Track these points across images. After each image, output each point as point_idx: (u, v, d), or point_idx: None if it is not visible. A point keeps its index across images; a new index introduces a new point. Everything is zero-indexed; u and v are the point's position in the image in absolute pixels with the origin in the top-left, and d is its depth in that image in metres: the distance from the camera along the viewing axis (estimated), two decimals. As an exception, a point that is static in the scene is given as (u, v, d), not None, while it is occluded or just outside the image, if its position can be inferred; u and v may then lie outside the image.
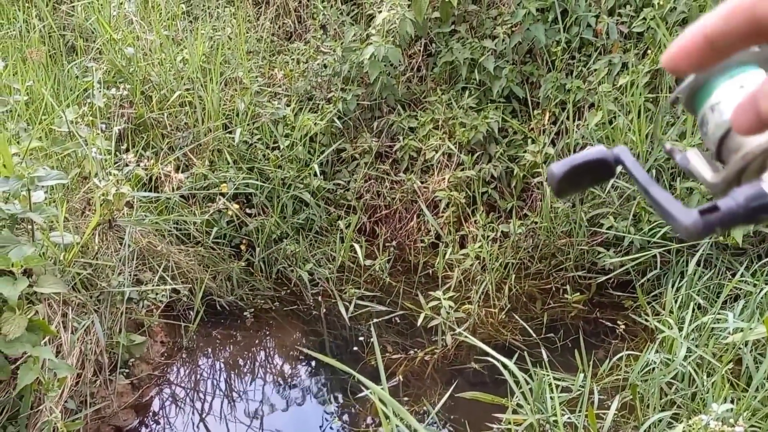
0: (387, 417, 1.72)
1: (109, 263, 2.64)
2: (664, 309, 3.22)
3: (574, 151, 3.83)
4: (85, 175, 2.89)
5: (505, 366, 2.67)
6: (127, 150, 3.44)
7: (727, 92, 0.49)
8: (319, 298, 3.75)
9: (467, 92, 4.15)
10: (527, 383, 2.64)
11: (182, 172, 3.57)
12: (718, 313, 2.89)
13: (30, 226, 2.29)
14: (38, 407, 2.34)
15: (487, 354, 3.31)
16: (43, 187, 2.26)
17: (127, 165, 2.69)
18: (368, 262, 3.85)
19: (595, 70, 3.86)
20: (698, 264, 3.29)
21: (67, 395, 2.45)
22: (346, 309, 3.61)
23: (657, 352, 2.88)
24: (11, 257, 2.02)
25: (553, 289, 3.75)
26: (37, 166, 2.16)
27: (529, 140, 3.97)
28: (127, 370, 2.89)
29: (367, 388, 3.06)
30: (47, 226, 2.32)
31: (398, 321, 3.61)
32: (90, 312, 2.62)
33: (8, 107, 2.82)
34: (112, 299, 2.77)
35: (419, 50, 4.35)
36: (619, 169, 0.51)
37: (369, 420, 2.98)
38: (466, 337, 2.95)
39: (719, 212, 0.45)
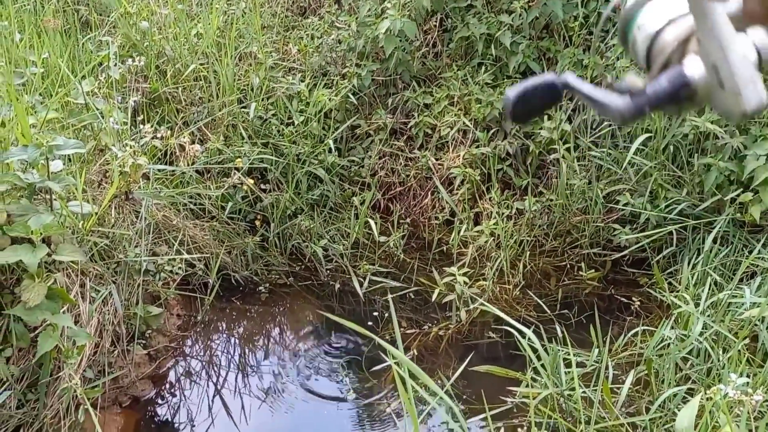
0: (404, 383, 1.73)
1: (126, 233, 2.65)
2: (679, 286, 3.20)
3: (592, 128, 3.80)
4: (101, 148, 2.90)
5: (524, 336, 2.66)
6: (141, 124, 3.45)
7: (648, 14, 0.59)
8: (334, 274, 3.76)
9: (483, 68, 4.11)
10: (547, 353, 2.63)
11: (191, 149, 3.56)
12: (737, 288, 2.87)
13: (48, 196, 2.31)
14: (57, 375, 2.37)
15: (500, 330, 3.33)
16: (60, 156, 2.27)
17: (143, 136, 2.69)
18: (382, 239, 3.86)
19: (613, 45, 3.81)
20: (714, 241, 3.27)
21: (86, 364, 2.48)
22: (361, 285, 3.62)
23: (672, 328, 2.87)
24: (30, 225, 2.03)
25: (568, 266, 3.74)
26: (55, 135, 2.16)
27: (545, 117, 3.93)
28: (144, 342, 2.92)
29: (386, 358, 3.08)
30: (65, 196, 2.34)
31: (412, 297, 3.61)
32: (107, 283, 2.64)
33: (24, 79, 2.83)
34: (128, 270, 2.78)
35: (435, 25, 4.31)
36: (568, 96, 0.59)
37: (384, 392, 3.00)
38: (486, 306, 2.94)
39: (646, 94, 0.53)
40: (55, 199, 2.28)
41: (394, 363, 1.81)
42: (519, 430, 1.98)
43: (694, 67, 0.55)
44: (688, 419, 1.74)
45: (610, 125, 3.71)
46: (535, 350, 2.64)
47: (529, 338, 2.64)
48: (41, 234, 2.04)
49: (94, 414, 2.15)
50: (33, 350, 2.32)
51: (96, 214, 2.43)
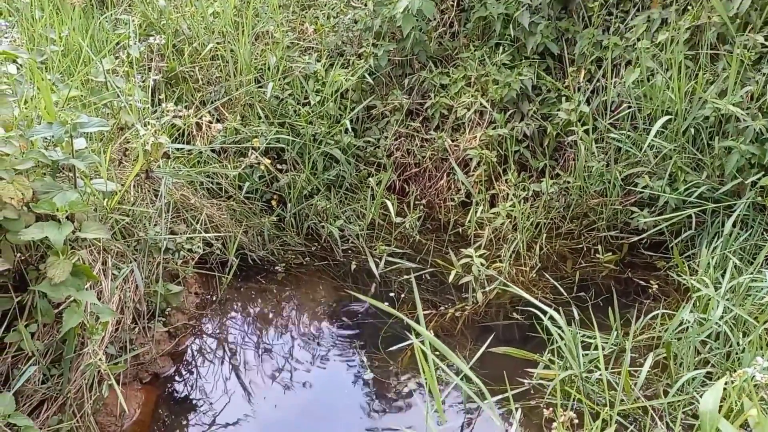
0: (426, 358, 1.73)
1: (147, 210, 2.66)
2: (698, 269, 3.19)
3: (611, 110, 3.77)
4: (121, 126, 2.90)
5: (544, 314, 2.66)
6: (159, 103, 3.44)
7: None
8: (350, 254, 3.77)
9: (501, 48, 4.08)
10: (560, 336, 2.63)
11: (211, 127, 3.56)
12: (757, 272, 2.86)
13: (71, 173, 2.31)
14: (80, 351, 2.40)
15: (517, 312, 3.34)
16: (83, 134, 2.27)
17: (165, 114, 2.69)
18: (398, 220, 3.85)
19: (634, 26, 3.76)
20: (734, 225, 3.25)
21: (108, 340, 2.50)
22: (377, 265, 3.63)
23: (691, 311, 2.87)
24: (56, 202, 2.04)
25: (584, 248, 3.73)
26: (78, 113, 2.16)
27: (563, 98, 3.90)
28: (164, 319, 2.94)
29: (403, 338, 3.09)
30: (89, 174, 2.34)
31: (428, 278, 3.62)
32: (128, 260, 2.66)
33: (45, 57, 2.83)
34: (148, 249, 2.80)
35: (452, 5, 4.27)
36: None
37: (401, 372, 3.01)
38: (509, 287, 2.94)
39: None
40: (79, 177, 2.29)
41: (418, 340, 1.82)
42: (545, 410, 1.99)
43: None
44: (712, 402, 1.74)
45: (629, 106, 3.68)
46: (554, 332, 2.64)
47: (551, 318, 2.64)
48: (66, 211, 2.05)
49: (118, 389, 2.18)
50: (57, 326, 2.34)
51: (120, 192, 2.44)
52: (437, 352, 3.12)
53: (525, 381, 2.85)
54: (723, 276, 2.98)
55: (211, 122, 2.96)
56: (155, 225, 2.88)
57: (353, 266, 3.69)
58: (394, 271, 3.65)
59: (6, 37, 2.55)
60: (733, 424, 1.79)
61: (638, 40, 3.68)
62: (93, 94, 2.68)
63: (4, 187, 2.02)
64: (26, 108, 2.41)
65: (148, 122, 2.57)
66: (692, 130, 3.46)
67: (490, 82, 3.97)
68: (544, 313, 2.65)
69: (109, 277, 2.51)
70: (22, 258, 2.26)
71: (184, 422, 2.79)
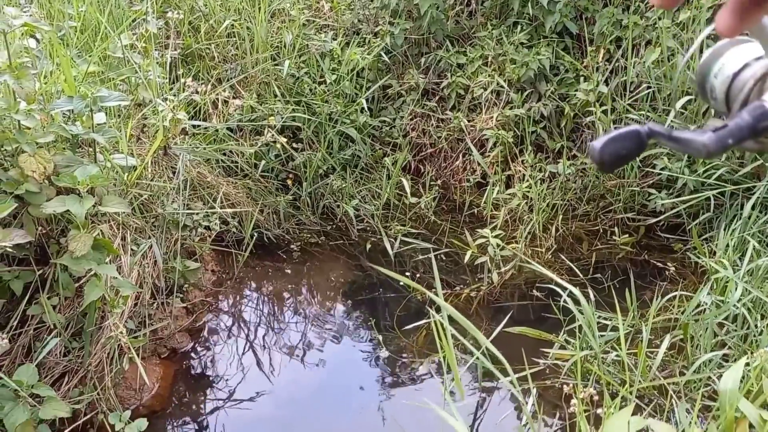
0: (444, 330, 1.74)
1: (166, 185, 2.67)
2: (715, 252, 3.17)
3: (630, 90, 3.73)
4: (138, 102, 2.90)
5: (569, 294, 2.66)
6: (175, 81, 3.44)
7: (725, 61, 0.64)
8: (365, 234, 3.77)
9: (519, 27, 4.03)
10: (589, 309, 2.62)
11: (229, 104, 3.56)
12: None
13: (91, 148, 2.32)
14: (100, 324, 2.42)
15: (533, 292, 3.34)
16: (103, 108, 2.28)
17: (185, 90, 2.68)
18: (413, 200, 3.85)
19: (653, 6, 3.70)
20: (753, 207, 3.22)
21: (127, 315, 2.52)
22: (392, 245, 3.63)
23: (708, 294, 2.85)
24: (77, 176, 2.05)
25: (601, 230, 3.72)
26: (99, 87, 2.16)
27: (582, 78, 3.86)
28: (181, 295, 2.96)
29: (418, 318, 3.10)
30: (109, 148, 2.35)
31: (443, 258, 3.61)
32: (147, 236, 2.67)
33: (63, 32, 2.82)
34: (167, 225, 2.81)
35: (470, -17, 4.22)
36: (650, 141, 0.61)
37: (416, 350, 3.03)
38: (531, 264, 2.94)
39: (728, 127, 0.56)
40: (99, 152, 2.29)
41: (438, 315, 1.82)
42: (565, 387, 1.99)
43: None
44: (732, 381, 1.74)
45: (649, 87, 3.64)
46: (575, 309, 2.63)
47: (573, 296, 2.64)
48: (87, 185, 2.06)
49: (139, 362, 2.20)
50: (77, 300, 2.37)
51: (141, 166, 2.44)
52: (455, 326, 3.14)
53: (540, 361, 2.86)
54: (741, 259, 2.96)
55: (230, 98, 2.95)
56: (173, 202, 2.89)
57: (368, 246, 3.70)
58: (408, 251, 3.65)
59: (26, 11, 2.54)
60: (752, 404, 1.79)
61: (659, 19, 3.63)
62: (111, 70, 2.68)
63: (26, 160, 2.03)
64: (46, 83, 2.42)
65: (167, 98, 2.57)
66: (712, 111, 3.41)
67: (508, 62, 3.93)
68: (564, 289, 2.64)
69: (128, 252, 2.53)
70: (43, 231, 2.28)
71: (202, 397, 2.82)
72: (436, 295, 1.82)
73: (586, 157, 3.79)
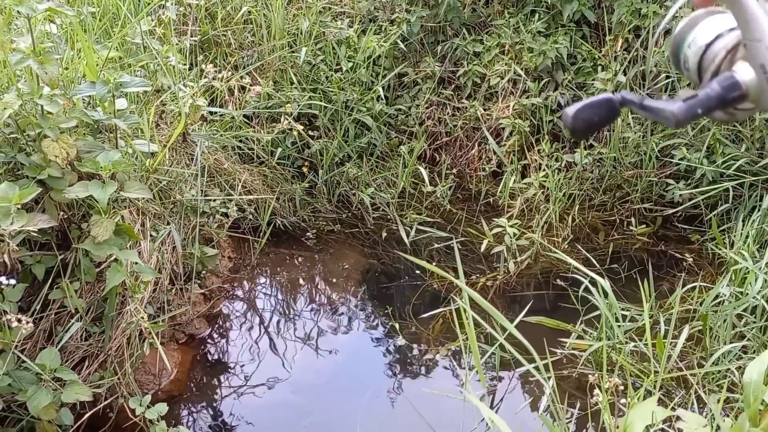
0: (466, 313, 1.74)
1: (185, 171, 2.67)
2: (734, 243, 3.15)
3: (649, 80, 3.70)
4: (158, 89, 2.90)
5: (593, 283, 2.65)
6: (191, 68, 3.44)
7: (698, 31, 0.64)
8: (380, 222, 3.77)
9: (536, 15, 4.00)
10: (610, 297, 2.61)
11: (247, 91, 3.56)
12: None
13: (112, 134, 2.32)
14: (121, 309, 2.44)
15: (547, 282, 3.33)
16: (124, 94, 2.28)
17: (204, 76, 2.68)
18: (429, 189, 3.84)
19: (675, -7, 3.67)
20: (773, 199, 3.19)
21: (147, 300, 2.54)
22: (407, 234, 3.63)
23: (727, 285, 2.84)
24: (99, 161, 2.05)
25: (617, 221, 3.70)
26: (121, 73, 2.16)
27: (600, 67, 3.83)
28: (199, 282, 2.97)
29: (438, 304, 3.10)
30: (130, 134, 2.35)
31: (459, 247, 3.60)
32: (166, 222, 2.68)
33: (82, 17, 2.82)
34: (185, 211, 2.82)
35: (487, -29, 4.18)
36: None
37: (432, 339, 3.03)
38: (556, 253, 2.94)
39: (698, 97, 0.58)
40: (120, 138, 2.30)
41: (460, 301, 1.82)
42: (590, 377, 1.98)
43: (743, 71, 0.60)
44: (757, 372, 1.72)
45: (668, 76, 3.61)
46: (598, 296, 2.62)
47: (594, 284, 2.63)
48: (110, 171, 2.07)
49: (160, 348, 2.21)
50: (98, 285, 2.38)
51: (162, 152, 2.44)
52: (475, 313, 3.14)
53: (557, 351, 2.85)
54: (760, 250, 2.94)
55: (250, 85, 2.95)
56: (191, 188, 2.90)
57: (384, 234, 3.69)
58: (424, 240, 3.65)
59: (46, -4, 2.54)
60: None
61: (679, 8, 3.58)
62: (130, 56, 2.67)
63: (49, 145, 2.03)
64: (67, 69, 2.42)
65: (186, 84, 2.57)
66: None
67: (525, 50, 3.91)
68: (586, 277, 2.64)
69: (148, 238, 2.54)
70: (65, 216, 2.29)
71: (219, 382, 2.84)
72: (460, 281, 1.82)
73: (603, 146, 3.76)
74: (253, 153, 3.62)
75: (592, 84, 3.77)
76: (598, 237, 3.64)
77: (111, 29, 3.02)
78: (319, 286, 3.51)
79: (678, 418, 1.64)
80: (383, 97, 3.99)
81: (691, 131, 3.49)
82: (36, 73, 2.04)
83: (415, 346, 3.02)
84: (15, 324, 1.88)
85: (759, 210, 3.17)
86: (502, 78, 3.92)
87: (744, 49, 0.61)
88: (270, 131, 3.55)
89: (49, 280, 2.28)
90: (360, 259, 3.59)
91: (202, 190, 2.93)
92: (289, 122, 3.43)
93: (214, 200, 3.00)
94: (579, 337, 2.89)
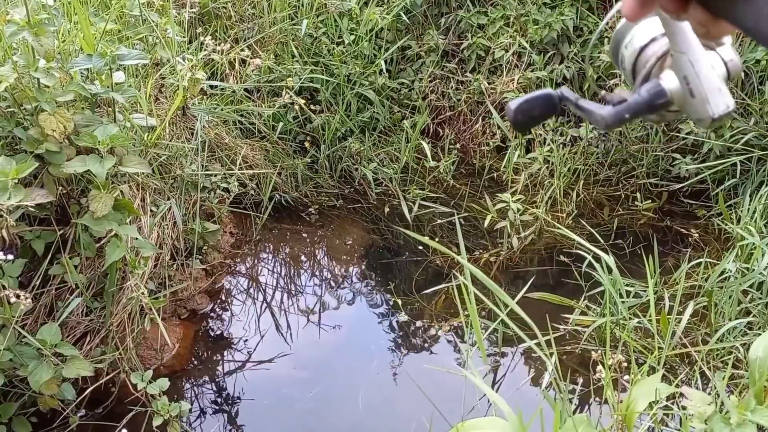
0: (468, 290, 1.72)
1: (185, 146, 2.64)
2: (740, 218, 3.12)
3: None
4: (156, 62, 2.86)
5: (597, 259, 2.63)
6: (190, 41, 3.38)
7: (635, 33, 0.67)
8: (383, 198, 3.74)
9: (542, -13, 3.92)
10: (614, 273, 2.59)
11: (247, 64, 3.51)
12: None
13: (110, 108, 2.29)
14: (121, 285, 2.42)
15: (550, 258, 3.31)
16: (122, 67, 2.24)
17: (203, 48, 2.63)
18: (432, 164, 3.80)
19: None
20: (781, 174, 3.15)
21: (147, 276, 2.53)
22: (410, 209, 3.60)
23: (734, 261, 2.81)
24: (97, 135, 2.02)
25: (623, 196, 3.66)
26: (118, 45, 2.12)
27: (606, 40, 3.76)
28: (200, 257, 2.96)
29: (441, 280, 3.09)
30: (128, 108, 2.32)
31: (462, 223, 3.58)
32: (166, 197, 2.66)
33: (79, -11, 2.76)
34: (185, 186, 2.79)
35: (492, -59, 4.09)
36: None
37: (434, 314, 3.02)
38: (560, 229, 2.91)
39: (627, 103, 0.62)
40: (118, 111, 2.26)
41: (462, 277, 1.80)
42: (593, 353, 1.97)
43: (669, 80, 0.63)
44: (763, 349, 1.71)
45: (676, 50, 3.53)
46: (602, 271, 2.60)
47: (597, 260, 2.61)
48: (108, 145, 2.04)
49: (161, 323, 2.20)
50: (98, 260, 2.37)
51: (161, 126, 2.41)
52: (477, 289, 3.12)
53: (560, 326, 2.84)
54: (766, 226, 2.90)
55: (248, 58, 2.90)
56: (191, 163, 2.87)
57: (386, 210, 3.67)
58: (427, 215, 3.62)
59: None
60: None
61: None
62: (128, 29, 2.63)
63: (46, 119, 2.00)
64: (63, 42, 2.38)
65: (186, 57, 2.52)
66: (741, 74, 3.32)
67: (530, 23, 3.84)
68: (589, 252, 2.61)
69: (148, 214, 2.52)
70: (64, 191, 2.27)
71: (221, 357, 2.84)
72: (462, 257, 1.79)
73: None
74: (255, 127, 3.58)
75: (599, 57, 3.70)
76: (602, 212, 3.60)
77: (108, 1, 2.96)
78: (321, 262, 3.50)
79: (682, 395, 1.62)
80: (386, 70, 3.93)
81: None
82: (31, 46, 2.00)
83: (417, 321, 3.01)
84: (14, 300, 1.87)
85: (767, 185, 3.13)
86: (507, 51, 3.85)
87: (671, 58, 0.64)
88: (271, 105, 3.50)
89: (49, 256, 2.27)
90: (362, 235, 3.57)
91: (202, 165, 2.90)
92: (291, 96, 3.39)
93: (215, 175, 2.97)
94: (582, 313, 2.87)
